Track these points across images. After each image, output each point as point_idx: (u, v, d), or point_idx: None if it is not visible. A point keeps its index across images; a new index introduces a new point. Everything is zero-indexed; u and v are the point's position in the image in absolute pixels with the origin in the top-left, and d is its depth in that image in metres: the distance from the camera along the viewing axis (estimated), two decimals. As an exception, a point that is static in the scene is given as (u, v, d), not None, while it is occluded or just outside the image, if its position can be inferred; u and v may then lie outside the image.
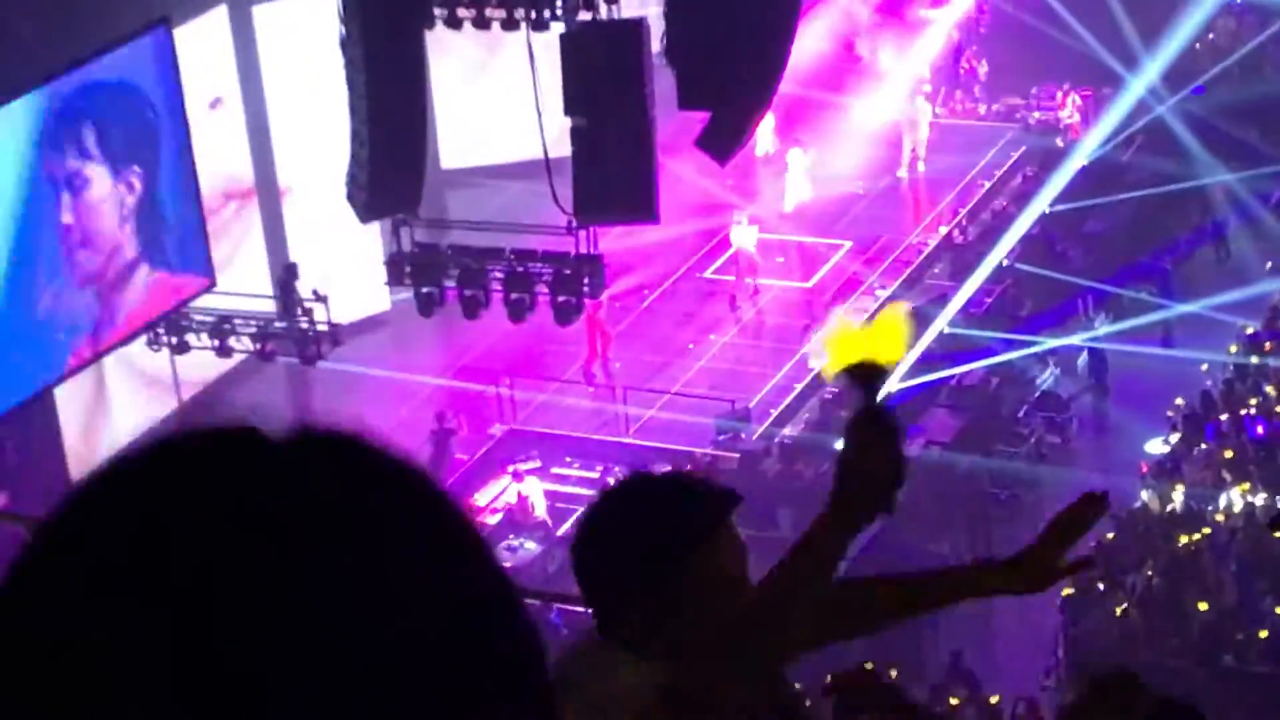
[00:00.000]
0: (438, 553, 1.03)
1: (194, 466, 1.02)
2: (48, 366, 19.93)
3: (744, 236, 26.11)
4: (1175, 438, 22.45)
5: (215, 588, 0.96)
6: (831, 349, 3.01)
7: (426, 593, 1.01)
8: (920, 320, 25.42)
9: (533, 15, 17.91)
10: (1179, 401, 23.17)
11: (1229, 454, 21.70)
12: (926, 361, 24.50)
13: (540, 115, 17.76)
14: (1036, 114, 29.80)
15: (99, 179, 20.17)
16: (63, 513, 1.03)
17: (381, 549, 1.00)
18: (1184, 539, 20.37)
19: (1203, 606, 19.27)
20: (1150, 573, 19.88)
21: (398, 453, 1.06)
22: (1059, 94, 29.45)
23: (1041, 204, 27.43)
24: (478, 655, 1.01)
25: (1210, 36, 29.88)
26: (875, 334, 2.98)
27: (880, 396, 2.95)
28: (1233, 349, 24.06)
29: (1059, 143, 29.05)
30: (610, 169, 17.37)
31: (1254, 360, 23.61)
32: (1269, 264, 25.79)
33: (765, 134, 27.83)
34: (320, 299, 22.15)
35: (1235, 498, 21.00)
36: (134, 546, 0.99)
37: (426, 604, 1.00)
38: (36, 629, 0.99)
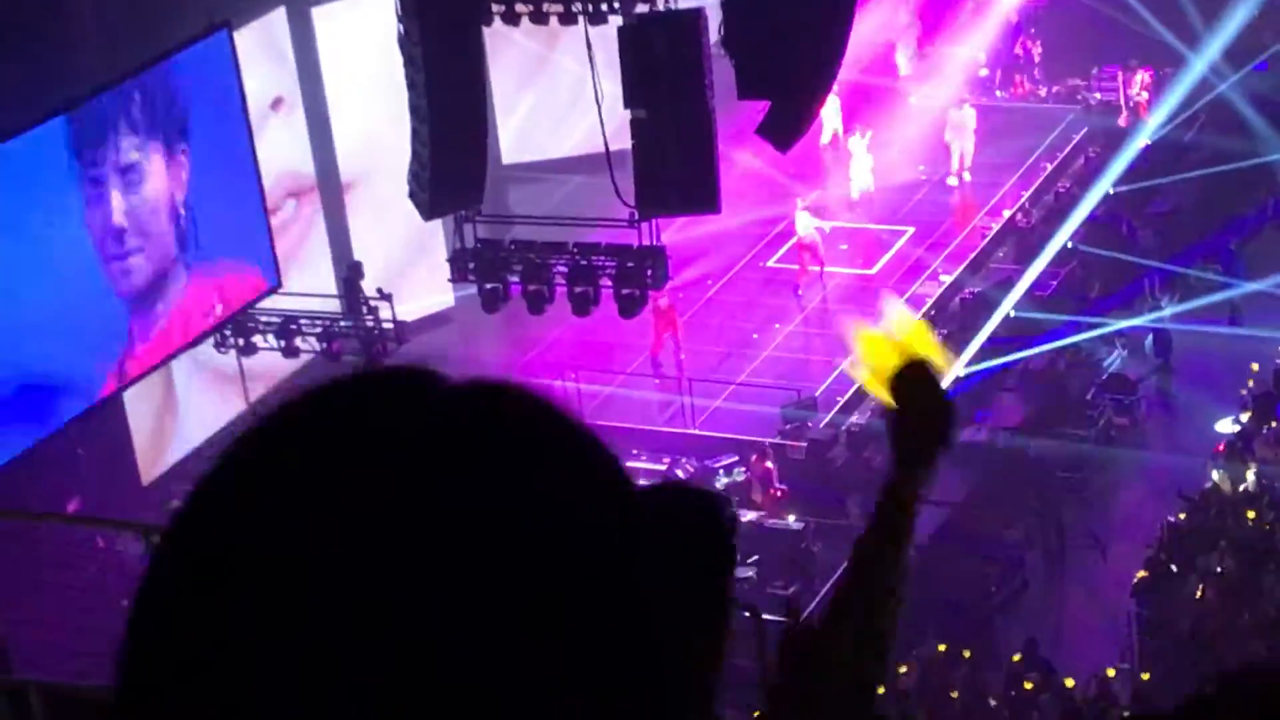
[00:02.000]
0: (587, 497, 1.09)
1: (370, 399, 1.10)
2: (77, 396, 19.05)
3: (804, 225, 26.06)
4: (1246, 417, 22.29)
5: (367, 517, 1.02)
6: (868, 354, 3.04)
7: (571, 536, 1.06)
8: (986, 304, 25.36)
9: (590, 9, 17.93)
10: (1250, 381, 23.02)
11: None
12: (994, 346, 24.43)
13: (600, 108, 17.78)
14: (1098, 94, 29.61)
15: (153, 161, 19.40)
16: (236, 446, 1.09)
17: (529, 487, 1.06)
18: (1256, 518, 20.23)
19: (1263, 585, 19.14)
20: (1223, 554, 19.74)
21: (557, 402, 1.12)
22: (1124, 73, 29.22)
23: (1105, 185, 27.28)
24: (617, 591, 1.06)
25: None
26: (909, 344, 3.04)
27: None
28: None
29: (1121, 123, 28.86)
30: (671, 160, 17.38)
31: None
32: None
33: (830, 120, 27.76)
34: (385, 297, 22.26)
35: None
36: (298, 479, 1.05)
37: (569, 548, 1.05)
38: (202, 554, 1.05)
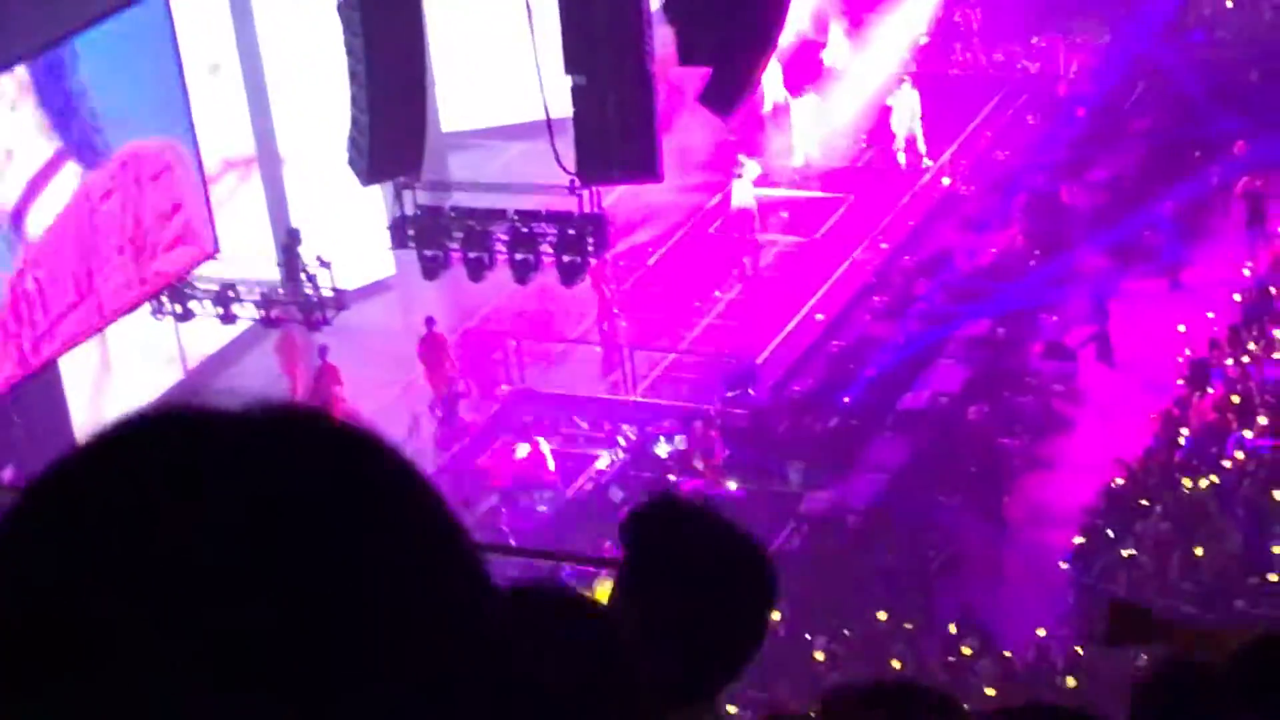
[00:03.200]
0: (390, 532, 1.03)
1: (143, 449, 1.04)
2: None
3: (744, 192, 26.05)
4: (1181, 383, 22.45)
5: (159, 568, 0.98)
6: None
7: (376, 572, 1.01)
8: (925, 272, 25.45)
9: (530, -26, 17.83)
10: (1185, 348, 23.19)
11: (1236, 399, 21.70)
12: (933, 313, 24.53)
13: (540, 75, 17.71)
14: (1037, 63, 29.67)
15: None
16: (20, 505, 1.06)
17: (328, 528, 1.01)
18: (1191, 485, 20.39)
19: (1198, 552, 19.31)
20: (1159, 520, 19.90)
21: (354, 430, 1.06)
22: (1064, 41, 29.29)
23: (1044, 153, 27.38)
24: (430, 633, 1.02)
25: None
26: None
27: None
28: (1236, 298, 24.04)
29: (1060, 91, 28.95)
30: (611, 127, 17.33)
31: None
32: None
33: (772, 87, 27.70)
34: (324, 264, 22.17)
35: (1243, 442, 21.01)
36: (81, 535, 1.01)
37: (376, 582, 1.00)
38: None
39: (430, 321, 23.18)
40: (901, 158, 27.73)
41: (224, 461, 1.01)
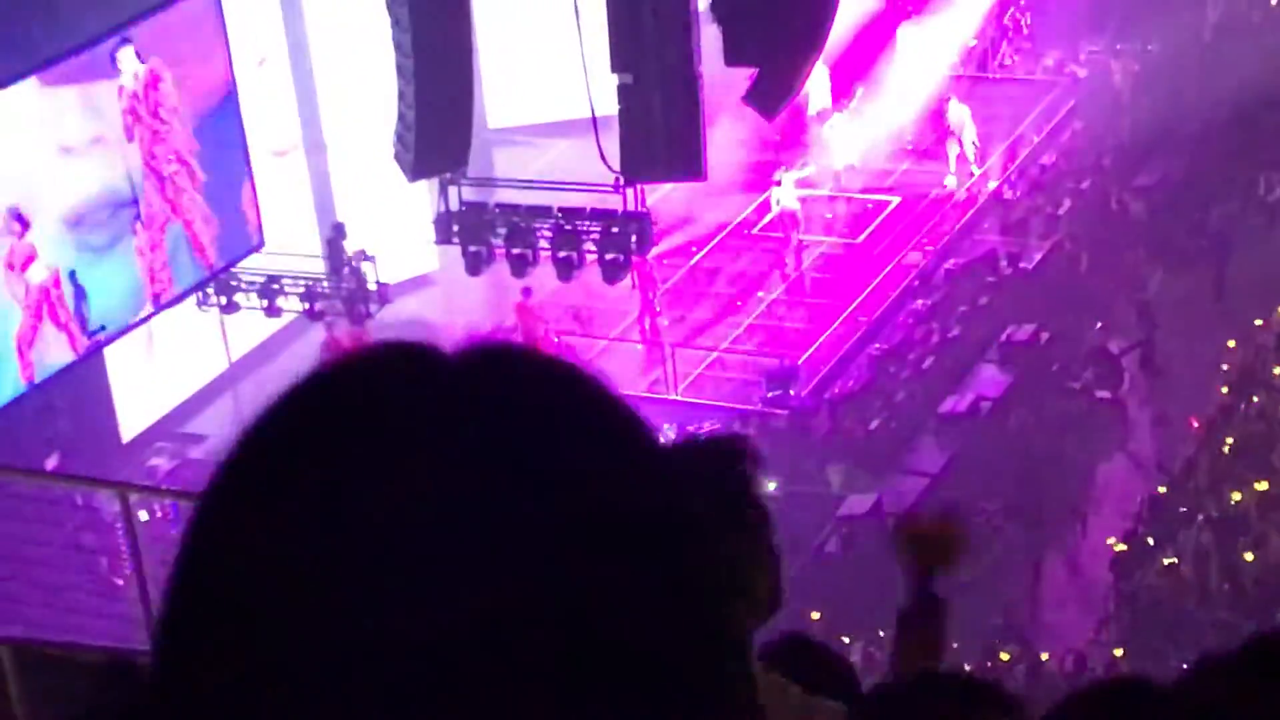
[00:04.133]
0: (606, 456, 1.04)
1: (366, 386, 1.04)
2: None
3: (788, 193, 25.97)
4: (1226, 391, 22.33)
5: (388, 506, 0.98)
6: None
7: (596, 502, 1.01)
8: (970, 276, 25.35)
9: (579, -29, 17.83)
10: (1231, 357, 23.06)
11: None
12: (976, 317, 24.43)
13: (587, 73, 17.71)
14: (1084, 68, 29.52)
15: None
16: (246, 440, 1.03)
17: (544, 457, 1.01)
18: (1234, 494, 20.28)
19: (1242, 559, 19.21)
20: (1201, 528, 19.80)
21: (566, 364, 1.07)
22: (1112, 46, 29.15)
23: (1092, 159, 27.24)
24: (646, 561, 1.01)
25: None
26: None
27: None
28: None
29: (1108, 96, 28.79)
30: (657, 126, 17.32)
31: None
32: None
33: (818, 90, 27.59)
34: (368, 258, 22.22)
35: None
36: (311, 471, 1.00)
37: (595, 513, 1.01)
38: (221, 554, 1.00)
39: (526, 291, 22.95)
40: (951, 179, 27.33)
41: (458, 409, 1.02)
